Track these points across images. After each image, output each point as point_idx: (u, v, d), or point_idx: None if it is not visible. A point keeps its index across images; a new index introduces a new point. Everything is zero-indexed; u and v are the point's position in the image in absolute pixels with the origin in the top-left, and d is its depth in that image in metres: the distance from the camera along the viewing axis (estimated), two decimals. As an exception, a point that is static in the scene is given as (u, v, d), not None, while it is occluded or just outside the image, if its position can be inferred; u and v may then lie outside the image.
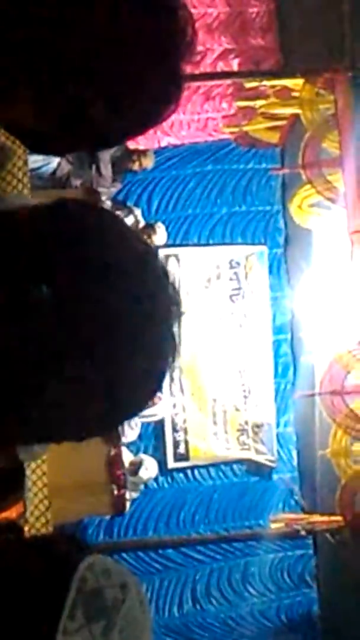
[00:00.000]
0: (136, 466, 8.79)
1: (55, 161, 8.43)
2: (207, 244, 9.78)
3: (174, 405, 9.45)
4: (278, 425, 9.77)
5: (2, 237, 1.22)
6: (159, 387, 1.31)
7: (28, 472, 5.83)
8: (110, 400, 1.23)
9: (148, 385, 1.28)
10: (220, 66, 9.46)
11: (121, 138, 1.46)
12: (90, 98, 1.30)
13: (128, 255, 1.24)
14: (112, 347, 1.19)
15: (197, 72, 8.77)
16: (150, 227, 9.17)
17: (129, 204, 9.37)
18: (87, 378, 1.19)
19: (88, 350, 1.18)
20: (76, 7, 1.28)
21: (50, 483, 6.37)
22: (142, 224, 9.24)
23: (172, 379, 9.34)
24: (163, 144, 9.52)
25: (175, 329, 1.27)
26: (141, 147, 9.18)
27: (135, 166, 9.08)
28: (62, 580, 1.22)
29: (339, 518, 8.37)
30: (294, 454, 9.85)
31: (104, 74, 1.29)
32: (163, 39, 1.31)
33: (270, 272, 9.84)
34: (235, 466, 9.73)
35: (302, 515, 9.24)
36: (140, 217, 9.29)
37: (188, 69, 1.36)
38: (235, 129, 9.34)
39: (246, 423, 9.68)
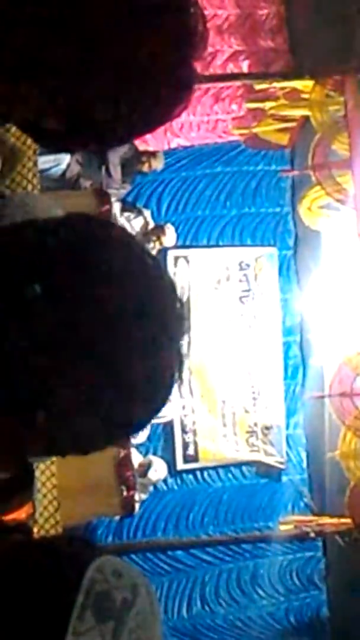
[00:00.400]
0: (145, 467, 8.79)
1: (64, 162, 8.43)
2: (217, 246, 9.77)
3: (184, 407, 9.45)
4: (287, 427, 9.76)
5: (5, 244, 1.22)
6: (162, 400, 1.30)
7: (37, 473, 5.83)
8: (113, 410, 1.23)
9: (150, 395, 1.27)
10: (230, 68, 9.47)
11: (128, 137, 1.45)
12: (95, 97, 1.29)
13: (132, 264, 1.23)
14: (112, 351, 1.19)
15: (206, 73, 8.77)
16: (159, 229, 9.17)
17: (138, 205, 9.37)
18: (86, 379, 1.19)
19: (88, 352, 1.18)
20: (80, 7, 1.27)
21: (60, 484, 6.38)
22: (151, 225, 9.24)
23: (181, 381, 9.34)
24: (173, 146, 9.53)
25: (181, 342, 1.27)
26: (151, 149, 9.19)
27: (145, 167, 9.08)
28: (72, 581, 1.22)
29: (348, 520, 8.36)
30: (303, 455, 9.84)
31: (108, 73, 1.28)
32: (174, 37, 1.29)
33: (280, 273, 9.84)
34: (244, 468, 9.72)
35: (311, 517, 9.23)
36: (149, 219, 9.29)
37: (198, 70, 1.34)
38: (245, 131, 9.33)
39: (255, 425, 9.67)
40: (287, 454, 9.75)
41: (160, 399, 1.29)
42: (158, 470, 8.91)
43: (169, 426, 9.38)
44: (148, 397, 1.27)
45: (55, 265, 1.19)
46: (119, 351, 1.20)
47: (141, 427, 1.33)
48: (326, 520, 8.83)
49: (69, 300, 1.18)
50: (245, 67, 9.55)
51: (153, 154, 9.10)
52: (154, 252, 9.09)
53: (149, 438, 9.13)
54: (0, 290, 1.18)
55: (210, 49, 9.03)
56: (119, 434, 1.34)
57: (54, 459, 6.02)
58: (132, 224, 9.11)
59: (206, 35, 1.31)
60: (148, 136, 9.26)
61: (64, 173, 8.50)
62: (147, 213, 9.30)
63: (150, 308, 1.22)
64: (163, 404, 1.30)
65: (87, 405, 1.21)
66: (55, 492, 6.37)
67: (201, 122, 9.54)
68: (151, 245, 9.07)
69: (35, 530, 5.87)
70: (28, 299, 1.17)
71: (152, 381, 1.25)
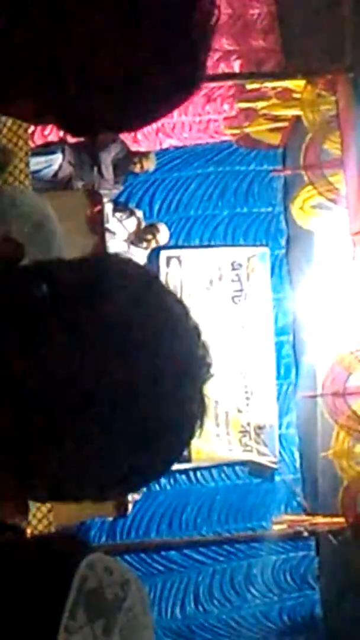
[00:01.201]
0: (138, 468, 8.76)
1: (57, 164, 8.43)
2: (209, 246, 9.77)
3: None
4: (280, 426, 9.76)
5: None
6: (183, 449, 1.24)
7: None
8: (132, 460, 1.19)
9: (172, 446, 1.22)
10: (222, 68, 9.45)
11: (126, 128, 1.43)
12: (94, 90, 1.28)
13: (156, 309, 1.20)
14: (134, 398, 1.15)
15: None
16: (153, 227, 9.17)
17: (130, 205, 9.37)
18: (104, 427, 1.15)
19: (99, 373, 1.15)
20: (81, 1, 1.26)
21: (53, 485, 6.35)
22: (143, 225, 9.24)
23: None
24: (165, 146, 9.52)
25: (203, 387, 1.22)
26: (143, 149, 9.19)
27: (137, 168, 9.08)
28: (63, 579, 1.22)
29: (341, 519, 8.36)
30: (296, 455, 9.84)
31: (108, 67, 1.26)
32: (177, 29, 1.26)
33: (272, 273, 9.84)
34: (237, 468, 9.72)
35: (304, 517, 9.23)
36: (142, 219, 9.29)
37: (206, 65, 1.32)
38: (237, 131, 9.34)
39: (248, 424, 9.67)
40: (280, 454, 9.75)
41: (182, 449, 1.25)
42: (151, 471, 8.89)
43: (162, 426, 9.36)
44: (170, 448, 1.23)
45: (71, 303, 1.16)
46: (140, 399, 1.16)
47: (159, 477, 1.27)
48: (319, 519, 8.83)
49: (88, 343, 1.14)
50: (236, 67, 9.53)
51: (145, 155, 9.09)
52: (149, 251, 9.11)
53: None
54: (20, 336, 1.16)
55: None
56: (134, 485, 1.29)
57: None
58: (125, 224, 9.11)
59: (213, 29, 1.28)
60: (140, 137, 9.31)
61: (56, 174, 8.49)
62: (139, 213, 9.29)
63: (174, 359, 1.19)
64: (183, 452, 1.25)
65: (104, 455, 1.17)
66: (48, 493, 6.35)
67: (193, 123, 9.54)
68: (145, 244, 9.08)
69: (28, 531, 5.87)
70: (33, 299, 1.15)
71: (176, 431, 1.21)
